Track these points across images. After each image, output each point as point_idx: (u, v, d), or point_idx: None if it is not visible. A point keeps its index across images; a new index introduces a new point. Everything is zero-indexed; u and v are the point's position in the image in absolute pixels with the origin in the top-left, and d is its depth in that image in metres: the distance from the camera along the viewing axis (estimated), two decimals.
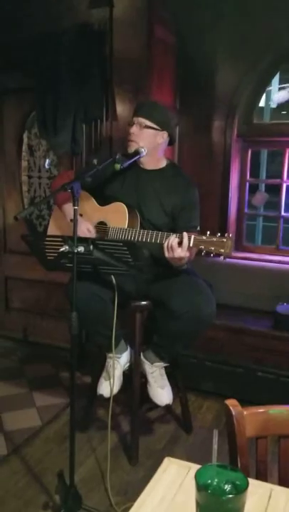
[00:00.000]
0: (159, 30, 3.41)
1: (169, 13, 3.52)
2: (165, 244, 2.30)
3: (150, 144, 2.61)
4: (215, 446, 1.06)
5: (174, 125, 2.74)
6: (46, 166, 4.07)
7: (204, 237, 2.21)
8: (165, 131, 2.64)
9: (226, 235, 2.19)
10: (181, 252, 2.26)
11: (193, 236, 2.23)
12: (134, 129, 2.59)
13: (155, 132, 2.60)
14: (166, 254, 2.31)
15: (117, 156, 2.49)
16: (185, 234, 2.24)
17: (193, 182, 2.73)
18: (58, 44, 3.44)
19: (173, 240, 2.27)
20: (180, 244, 2.25)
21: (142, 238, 2.44)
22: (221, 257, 2.20)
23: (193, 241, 2.23)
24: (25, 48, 3.57)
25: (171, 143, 2.78)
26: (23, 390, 3.54)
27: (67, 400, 3.32)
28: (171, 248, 2.28)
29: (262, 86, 3.73)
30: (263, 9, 3.41)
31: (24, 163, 4.17)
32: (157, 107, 2.66)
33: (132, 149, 2.61)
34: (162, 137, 2.65)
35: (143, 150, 2.58)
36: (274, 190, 4.03)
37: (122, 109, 3.46)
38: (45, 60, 3.49)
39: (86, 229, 2.60)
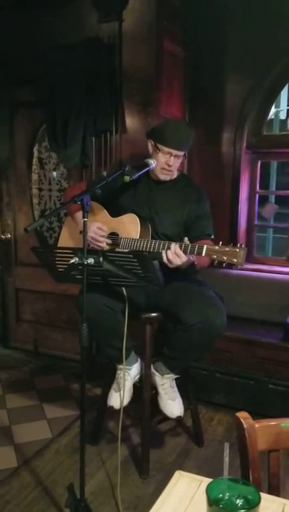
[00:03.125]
0: (168, 43, 3.44)
1: (177, 26, 3.55)
2: (171, 250, 2.31)
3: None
4: (226, 460, 1.05)
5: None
6: (54, 177, 4.10)
7: (217, 247, 2.22)
8: (186, 151, 2.70)
9: (238, 245, 2.21)
10: (184, 258, 2.29)
11: (205, 246, 2.24)
12: (173, 162, 2.60)
13: (183, 157, 2.68)
14: (170, 258, 2.31)
15: (127, 168, 2.50)
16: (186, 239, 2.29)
17: (204, 192, 2.75)
18: (68, 58, 3.47)
19: (176, 246, 2.29)
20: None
21: (154, 248, 2.45)
22: (233, 267, 2.21)
23: (206, 251, 2.23)
24: (36, 61, 3.62)
25: None
26: (34, 402, 3.54)
27: (77, 411, 3.32)
28: (176, 254, 2.29)
29: (271, 97, 3.74)
30: (272, 21, 3.43)
31: (34, 176, 4.20)
32: (190, 135, 2.66)
33: (167, 178, 2.67)
34: (184, 157, 2.71)
35: (152, 162, 2.60)
36: (284, 201, 4.02)
37: (131, 121, 3.48)
38: (56, 73, 3.53)
39: (96, 227, 2.62)
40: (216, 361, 3.35)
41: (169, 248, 2.35)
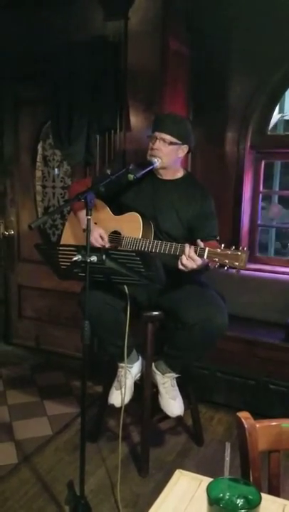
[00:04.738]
0: (173, 42, 3.43)
1: (183, 25, 3.54)
2: (186, 255, 2.26)
3: (172, 158, 2.63)
4: (227, 459, 1.05)
5: (193, 136, 2.74)
6: (56, 173, 4.10)
7: (219, 250, 2.19)
8: (186, 145, 2.65)
9: (240, 248, 2.17)
10: (199, 262, 2.25)
11: (207, 248, 2.21)
12: (157, 145, 2.58)
13: (177, 147, 2.61)
14: (185, 262, 2.27)
15: (131, 167, 2.50)
16: (200, 242, 2.24)
17: (209, 192, 2.73)
18: (73, 56, 3.47)
19: (191, 250, 2.25)
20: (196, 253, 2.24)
21: (156, 249, 2.43)
22: (235, 270, 2.19)
23: (208, 253, 2.20)
24: (41, 59, 3.61)
25: (188, 152, 2.77)
26: (35, 399, 3.55)
27: (78, 409, 3.32)
28: (191, 258, 2.26)
29: (276, 97, 3.72)
30: (276, 21, 3.42)
31: (38, 173, 4.20)
32: (179, 121, 2.66)
33: (152, 160, 2.62)
34: (183, 151, 2.66)
35: (156, 161, 2.59)
36: (287, 201, 4.01)
37: (135, 119, 3.48)
38: (61, 71, 3.53)
39: (98, 235, 2.60)
40: (216, 361, 3.35)
41: (175, 251, 2.35)
